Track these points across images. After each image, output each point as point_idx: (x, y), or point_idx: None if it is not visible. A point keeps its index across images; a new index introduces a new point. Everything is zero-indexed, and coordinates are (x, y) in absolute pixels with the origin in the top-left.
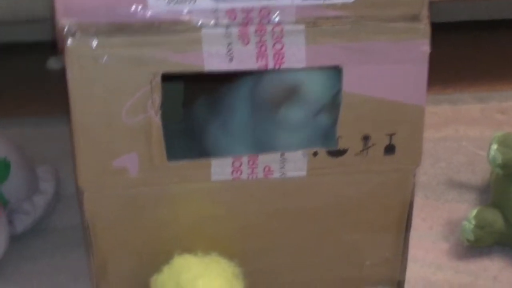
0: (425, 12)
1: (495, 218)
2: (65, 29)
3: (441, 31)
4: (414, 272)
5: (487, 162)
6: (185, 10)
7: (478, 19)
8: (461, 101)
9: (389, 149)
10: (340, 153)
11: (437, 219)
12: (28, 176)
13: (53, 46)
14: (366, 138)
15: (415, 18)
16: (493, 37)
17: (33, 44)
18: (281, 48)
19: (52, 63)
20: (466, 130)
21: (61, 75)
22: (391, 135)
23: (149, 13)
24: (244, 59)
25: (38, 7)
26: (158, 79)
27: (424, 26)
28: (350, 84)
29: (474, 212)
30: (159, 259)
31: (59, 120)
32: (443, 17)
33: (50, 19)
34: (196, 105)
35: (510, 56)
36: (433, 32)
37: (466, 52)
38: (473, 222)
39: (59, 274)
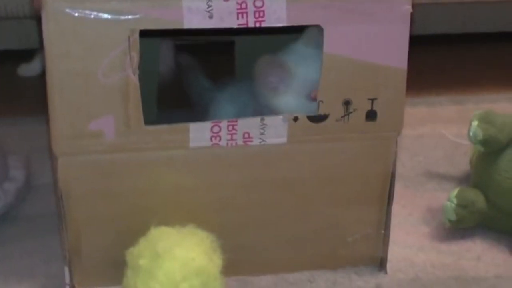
0: None
1: (477, 198)
2: None
3: (420, 43)
4: (396, 253)
5: (465, 155)
6: None
7: (455, 32)
8: (438, 103)
9: (371, 114)
10: (321, 118)
11: (417, 206)
12: None
13: (23, 53)
14: (347, 103)
15: None
16: (468, 48)
17: (3, 51)
18: (262, 6)
19: (23, 70)
20: (443, 127)
21: (32, 80)
22: (372, 100)
23: None
24: (224, 16)
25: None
26: (136, 35)
27: None
28: (331, 44)
29: (456, 191)
30: (135, 231)
31: (31, 120)
32: (421, 30)
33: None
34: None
35: (484, 64)
36: (412, 43)
37: (442, 61)
38: (455, 201)
39: (30, 257)
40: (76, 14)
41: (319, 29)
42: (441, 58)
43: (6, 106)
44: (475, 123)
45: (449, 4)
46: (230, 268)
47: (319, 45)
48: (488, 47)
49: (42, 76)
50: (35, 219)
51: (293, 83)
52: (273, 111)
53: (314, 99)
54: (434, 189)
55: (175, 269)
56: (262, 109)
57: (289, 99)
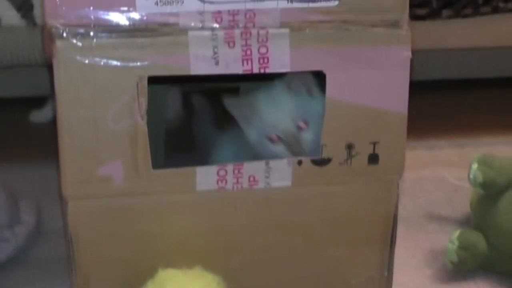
0: (405, 18)
1: (478, 240)
2: (53, 30)
3: (419, 88)
4: None
5: (466, 197)
6: (173, 12)
7: (454, 78)
8: (438, 147)
9: (373, 158)
10: (324, 162)
11: (419, 248)
12: (10, 206)
13: (35, 100)
14: (350, 147)
15: (396, 24)
16: (467, 93)
17: (15, 99)
18: (266, 52)
19: (35, 116)
20: (444, 170)
21: (44, 127)
22: (374, 144)
23: (136, 15)
24: (230, 62)
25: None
26: (145, 82)
27: (405, 32)
28: (333, 90)
29: (457, 233)
30: (143, 274)
31: (42, 165)
32: (421, 76)
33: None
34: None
35: (482, 109)
36: (412, 89)
37: (442, 106)
38: (456, 243)
39: None
40: (87, 61)
41: (306, 76)
42: (440, 103)
43: (17, 151)
44: (474, 166)
45: (448, 50)
46: None
47: (296, 90)
48: (486, 93)
49: (53, 122)
50: (45, 262)
51: (256, 122)
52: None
53: (274, 141)
54: (436, 231)
55: None
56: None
57: (251, 135)
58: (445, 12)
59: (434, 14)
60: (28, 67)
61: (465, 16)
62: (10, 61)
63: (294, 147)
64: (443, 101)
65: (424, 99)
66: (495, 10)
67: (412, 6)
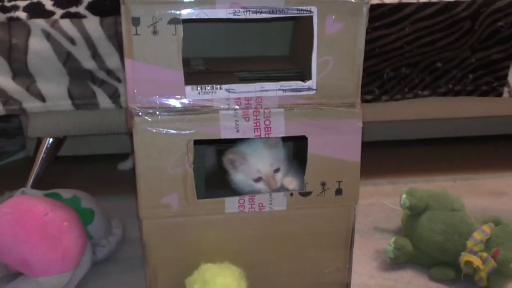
0: (358, 102)
1: (407, 243)
2: (132, 111)
3: (368, 146)
4: (355, 279)
5: (398, 216)
6: (209, 99)
7: (390, 139)
8: (380, 184)
9: (338, 191)
10: (307, 194)
11: (369, 249)
12: (105, 222)
13: (121, 155)
14: (323, 184)
15: (352, 105)
16: (399, 149)
17: (110, 154)
18: (269, 124)
19: (121, 166)
20: (384, 199)
21: (127, 172)
22: (339, 182)
23: (186, 100)
24: (246, 130)
25: (109, 126)
26: (191, 143)
27: (358, 110)
28: (312, 148)
29: (393, 239)
30: (191, 267)
31: (126, 197)
32: (369, 138)
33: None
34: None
35: (409, 159)
36: (363, 146)
37: (382, 157)
38: (393, 245)
39: (125, 284)
40: (154, 130)
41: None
42: (381, 155)
43: (110, 189)
44: (403, 195)
45: (385, 121)
46: None
47: (273, 146)
48: (412, 148)
49: (133, 169)
50: (128, 260)
51: (245, 168)
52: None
53: (257, 182)
54: (379, 238)
55: None
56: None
57: (240, 177)
58: (383, 97)
59: (376, 99)
60: (117, 134)
61: (396, 100)
62: (105, 130)
63: (271, 184)
64: (383, 154)
65: (371, 153)
66: (416, 96)
67: (362, 93)
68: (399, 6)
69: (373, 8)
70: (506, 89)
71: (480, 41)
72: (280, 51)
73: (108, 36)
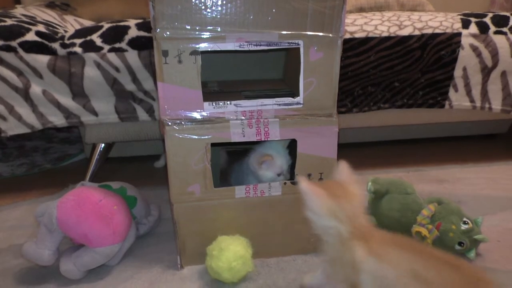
0: (335, 112)
1: (371, 219)
2: (164, 121)
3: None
4: None
5: (365, 199)
6: (222, 111)
7: (361, 141)
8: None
9: (320, 180)
10: (296, 183)
11: None
12: (145, 206)
13: (157, 156)
14: (309, 175)
15: (330, 115)
16: (367, 148)
17: (148, 156)
18: (268, 130)
19: (156, 164)
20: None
21: (161, 169)
22: (321, 173)
23: (204, 113)
24: (250, 135)
25: (146, 133)
26: (209, 146)
27: (335, 119)
28: (301, 148)
29: None
30: (210, 239)
31: (160, 188)
32: (343, 140)
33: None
34: (229, 162)
35: (374, 156)
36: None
37: (354, 154)
38: None
39: (161, 252)
40: (180, 136)
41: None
42: (353, 153)
43: (149, 182)
44: (369, 183)
45: (355, 128)
46: (254, 255)
47: (285, 148)
48: (377, 148)
49: (165, 166)
50: (163, 234)
51: (272, 166)
52: (259, 178)
53: (279, 175)
54: None
55: (230, 256)
56: (253, 177)
57: (269, 174)
58: (354, 110)
59: (349, 111)
60: (152, 139)
61: (364, 111)
62: (143, 137)
63: (287, 176)
64: (354, 153)
65: (345, 152)
66: (379, 108)
67: (337, 107)
68: (366, 40)
69: (346, 41)
70: (447, 102)
71: (428, 65)
72: (276, 75)
73: (144, 65)
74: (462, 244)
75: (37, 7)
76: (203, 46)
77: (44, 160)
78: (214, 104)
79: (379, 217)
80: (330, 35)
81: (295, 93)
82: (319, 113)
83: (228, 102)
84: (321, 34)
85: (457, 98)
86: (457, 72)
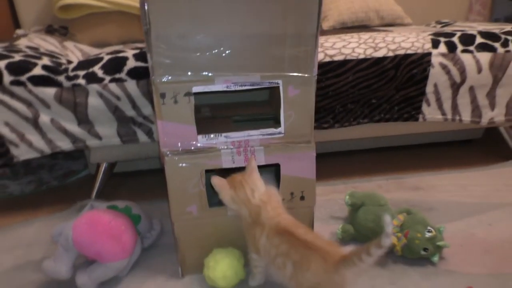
0: (312, 140)
1: (350, 228)
2: (163, 152)
3: (325, 156)
4: None
5: (345, 209)
6: (214, 142)
7: (340, 150)
8: (333, 185)
9: (302, 198)
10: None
11: (325, 232)
12: (148, 222)
13: (154, 170)
14: (292, 194)
15: (309, 142)
16: (345, 158)
17: (145, 170)
18: (254, 157)
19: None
20: (337, 197)
21: (162, 183)
22: (302, 191)
23: (198, 144)
24: (239, 161)
25: (146, 152)
26: (203, 171)
27: (313, 145)
28: (284, 170)
29: (341, 225)
30: (207, 250)
31: (163, 204)
32: (328, 149)
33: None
34: None
35: (354, 166)
36: (320, 158)
37: (334, 166)
38: (340, 230)
39: (165, 263)
40: (179, 165)
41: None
42: (337, 162)
43: (150, 195)
44: (347, 196)
45: (338, 140)
46: (246, 264)
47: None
48: (357, 157)
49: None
50: (165, 246)
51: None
52: None
53: None
54: (333, 224)
55: (224, 267)
56: None
57: None
58: (336, 125)
59: (331, 126)
60: (151, 157)
61: (345, 126)
62: (144, 155)
63: None
64: (338, 162)
65: (330, 161)
66: (358, 123)
67: (321, 123)
68: (344, 62)
69: (326, 64)
70: (421, 116)
71: (402, 83)
72: (263, 97)
73: (143, 93)
74: (426, 250)
75: (38, 35)
76: (195, 88)
77: (51, 177)
78: (206, 136)
79: (356, 226)
80: (305, 75)
81: (278, 120)
82: (298, 140)
83: (219, 134)
84: (297, 74)
85: (430, 112)
86: (429, 88)
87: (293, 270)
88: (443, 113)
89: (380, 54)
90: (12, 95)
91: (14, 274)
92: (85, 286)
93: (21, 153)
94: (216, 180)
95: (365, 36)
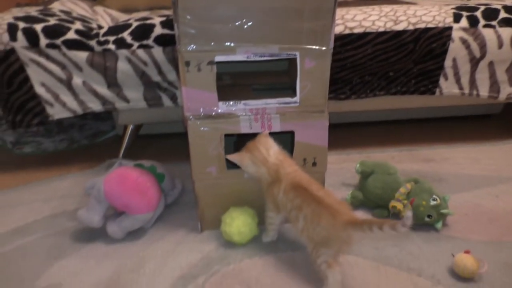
0: (326, 109)
1: (359, 194)
2: (186, 116)
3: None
4: None
5: (356, 177)
6: (234, 109)
7: (359, 121)
8: (346, 154)
9: (314, 164)
10: None
11: (336, 196)
12: (171, 181)
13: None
14: (304, 160)
15: (322, 111)
16: (363, 129)
17: (169, 133)
18: (270, 124)
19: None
20: (349, 165)
21: (184, 147)
22: (314, 158)
23: (219, 110)
24: (256, 128)
25: (170, 116)
26: (223, 136)
27: (326, 114)
28: (297, 137)
29: (351, 191)
30: (224, 208)
31: (184, 164)
32: (345, 120)
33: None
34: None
35: (368, 137)
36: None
37: (349, 135)
38: (350, 195)
39: (185, 218)
40: (201, 128)
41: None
42: (353, 133)
43: (173, 157)
44: (357, 165)
45: (355, 111)
46: (260, 222)
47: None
48: (372, 128)
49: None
50: (186, 204)
51: None
52: None
53: None
54: (344, 190)
55: (239, 223)
56: None
57: None
58: (353, 96)
59: (348, 97)
60: (175, 121)
61: (361, 98)
62: (168, 119)
63: None
64: (354, 132)
65: (346, 131)
66: (375, 95)
67: (338, 94)
68: (364, 34)
69: (345, 36)
70: (437, 89)
71: (420, 57)
72: (282, 67)
73: (168, 60)
74: (430, 217)
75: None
76: (217, 57)
77: (81, 136)
78: (226, 103)
79: (365, 193)
80: (322, 48)
81: (294, 91)
82: (312, 109)
83: (238, 102)
84: (314, 47)
85: (447, 86)
86: (447, 63)
87: (304, 224)
88: (460, 88)
89: (400, 27)
90: (48, 57)
91: (52, 221)
92: (115, 234)
93: (56, 112)
94: (232, 156)
95: (386, 8)
